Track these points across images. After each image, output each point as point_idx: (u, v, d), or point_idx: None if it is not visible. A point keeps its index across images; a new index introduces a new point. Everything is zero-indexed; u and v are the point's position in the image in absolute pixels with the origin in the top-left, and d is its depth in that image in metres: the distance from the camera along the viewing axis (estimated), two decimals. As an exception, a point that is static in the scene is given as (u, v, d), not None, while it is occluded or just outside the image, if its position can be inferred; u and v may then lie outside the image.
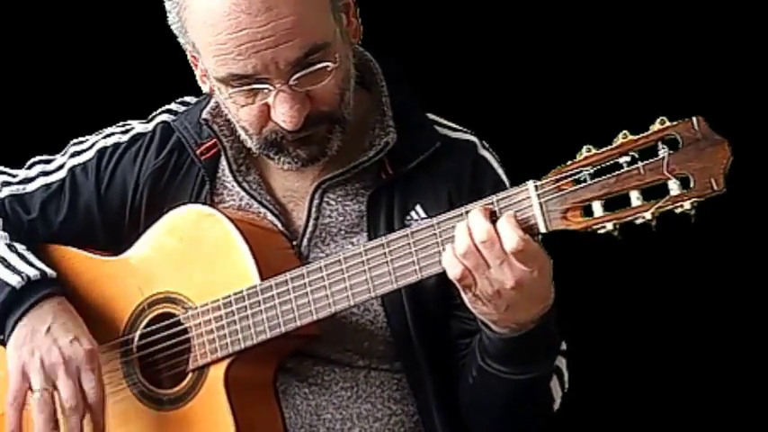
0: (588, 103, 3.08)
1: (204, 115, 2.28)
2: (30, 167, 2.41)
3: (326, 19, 2.11)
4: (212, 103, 2.28)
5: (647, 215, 1.87)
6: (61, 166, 2.37)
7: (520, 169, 2.12)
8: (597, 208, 1.91)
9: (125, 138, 2.36)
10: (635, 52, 3.13)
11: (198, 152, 2.30)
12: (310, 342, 2.19)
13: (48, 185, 2.36)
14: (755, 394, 3.20)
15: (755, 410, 3.19)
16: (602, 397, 3.17)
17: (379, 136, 2.23)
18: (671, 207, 1.86)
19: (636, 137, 1.88)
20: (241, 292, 2.15)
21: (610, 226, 1.90)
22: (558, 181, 1.93)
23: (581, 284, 2.92)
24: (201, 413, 2.18)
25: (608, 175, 1.90)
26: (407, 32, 3.14)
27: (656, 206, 1.87)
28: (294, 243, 2.24)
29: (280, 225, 2.25)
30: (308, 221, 2.24)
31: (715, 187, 1.84)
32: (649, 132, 1.88)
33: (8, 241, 2.29)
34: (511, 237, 1.92)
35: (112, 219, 2.33)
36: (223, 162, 2.29)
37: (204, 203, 2.27)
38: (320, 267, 2.10)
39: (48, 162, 2.40)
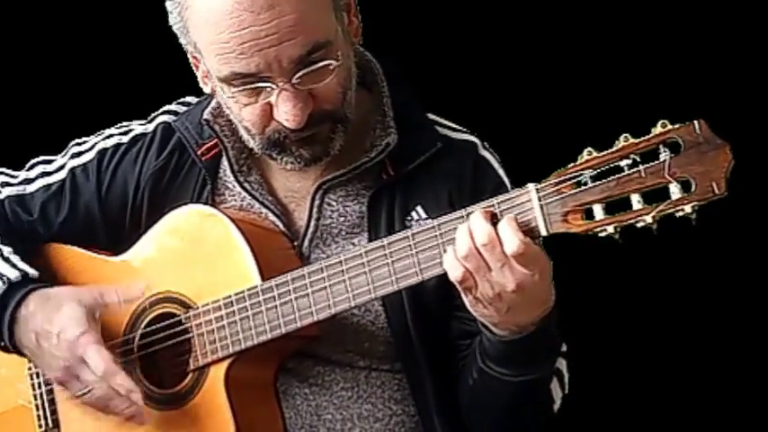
0: (590, 106, 3.08)
1: (205, 116, 2.28)
2: (30, 168, 2.41)
3: (328, 17, 2.11)
4: (213, 104, 2.28)
5: (648, 218, 1.87)
6: (62, 167, 2.37)
7: (521, 172, 2.12)
8: (598, 211, 1.91)
9: (126, 139, 2.37)
10: (637, 55, 3.13)
11: (199, 152, 2.30)
12: (311, 343, 2.19)
13: (48, 186, 2.37)
14: (756, 395, 3.20)
15: (756, 412, 3.19)
16: (603, 398, 3.18)
17: (380, 136, 2.23)
18: (672, 210, 1.86)
19: (637, 140, 1.88)
20: (242, 292, 2.15)
21: (611, 229, 1.90)
22: (558, 184, 1.93)
23: (582, 287, 2.92)
24: (202, 413, 2.18)
25: (609, 178, 1.90)
26: (409, 33, 3.14)
27: (658, 209, 1.87)
28: (295, 243, 2.24)
29: (281, 225, 2.25)
30: (309, 222, 2.24)
31: (716, 191, 1.84)
32: (651, 135, 1.88)
33: None
34: (512, 240, 1.92)
35: (113, 219, 2.33)
36: (224, 162, 2.29)
37: (205, 204, 2.27)
38: (321, 268, 2.10)
39: (48, 163, 2.40)
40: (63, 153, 2.40)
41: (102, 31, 3.29)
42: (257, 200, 2.26)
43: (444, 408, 2.22)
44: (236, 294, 2.15)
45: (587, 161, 1.92)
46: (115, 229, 2.33)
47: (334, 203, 2.25)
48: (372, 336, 2.21)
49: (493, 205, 1.97)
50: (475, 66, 3.19)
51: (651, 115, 1.89)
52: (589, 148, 1.92)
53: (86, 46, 3.29)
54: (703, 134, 1.85)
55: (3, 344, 2.24)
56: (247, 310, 2.14)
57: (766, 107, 3.04)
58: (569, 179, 1.92)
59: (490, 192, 2.18)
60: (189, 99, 2.39)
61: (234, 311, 2.15)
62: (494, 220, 1.96)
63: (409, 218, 2.22)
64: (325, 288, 2.10)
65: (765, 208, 3.08)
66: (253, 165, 2.29)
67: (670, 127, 1.87)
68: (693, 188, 1.85)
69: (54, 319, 2.17)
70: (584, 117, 3.03)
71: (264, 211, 2.26)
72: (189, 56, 2.21)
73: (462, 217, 1.99)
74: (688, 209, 1.85)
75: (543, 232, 1.94)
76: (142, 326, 2.24)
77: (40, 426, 2.33)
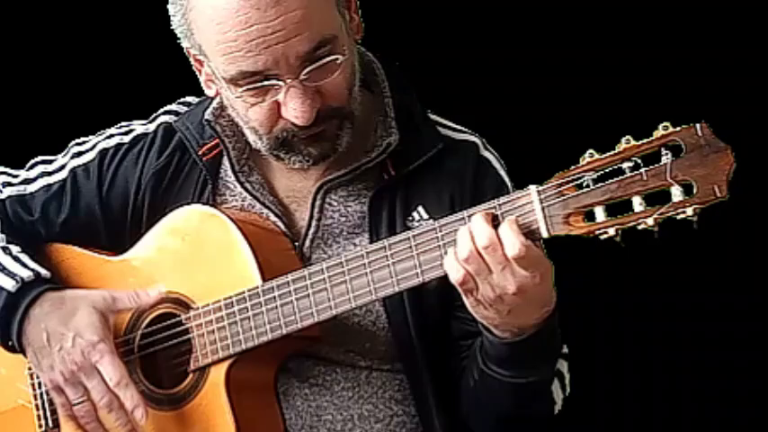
0: (591, 108, 3.07)
1: (207, 116, 2.28)
2: (31, 168, 2.41)
3: (332, 12, 2.11)
4: (215, 104, 2.28)
5: (650, 221, 1.87)
6: (62, 167, 2.37)
7: (522, 173, 2.12)
8: (599, 213, 1.91)
9: (127, 139, 2.36)
10: (639, 57, 3.12)
11: (200, 153, 2.30)
12: (312, 343, 2.19)
13: (49, 186, 2.37)
14: (756, 396, 3.20)
15: (756, 412, 3.19)
16: (603, 398, 3.18)
17: (381, 137, 2.23)
18: (673, 213, 1.86)
19: (639, 142, 1.88)
20: (243, 292, 2.15)
21: (612, 231, 1.90)
22: (560, 186, 1.93)
23: (583, 289, 2.92)
24: (202, 414, 2.18)
25: (610, 181, 1.90)
26: (410, 33, 3.13)
27: (659, 212, 1.86)
28: (296, 244, 2.24)
29: (282, 226, 2.25)
30: (310, 222, 2.24)
31: (718, 194, 1.83)
32: (652, 138, 1.87)
33: (3, 244, 2.30)
34: (513, 243, 1.92)
35: (114, 219, 2.33)
36: (225, 162, 2.29)
37: (206, 204, 2.27)
38: (322, 269, 2.10)
39: (49, 163, 2.40)
40: (64, 153, 2.40)
41: (102, 31, 3.29)
42: (258, 200, 2.26)
43: (445, 408, 2.22)
44: (237, 295, 2.15)
45: (589, 163, 1.91)
46: (116, 228, 2.33)
47: (335, 204, 2.24)
48: (373, 336, 2.21)
49: (494, 207, 1.97)
50: (477, 66, 3.18)
51: (653, 118, 1.89)
52: (591, 151, 1.92)
53: (87, 46, 3.29)
54: (705, 137, 1.85)
55: (10, 342, 2.23)
56: (248, 311, 2.14)
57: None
58: (571, 181, 1.92)
59: (491, 192, 2.19)
60: (190, 99, 2.39)
61: (234, 312, 2.15)
62: (495, 222, 1.95)
63: (410, 218, 2.22)
64: (326, 289, 2.09)
65: (766, 209, 3.08)
66: (254, 165, 2.29)
67: (672, 129, 1.86)
68: (695, 191, 1.85)
69: (69, 322, 2.18)
70: (586, 119, 3.03)
71: (265, 211, 2.26)
72: (192, 59, 2.21)
73: (463, 219, 1.99)
74: (689, 212, 1.85)
75: (544, 234, 1.94)
76: (142, 326, 2.24)
77: (40, 426, 2.33)
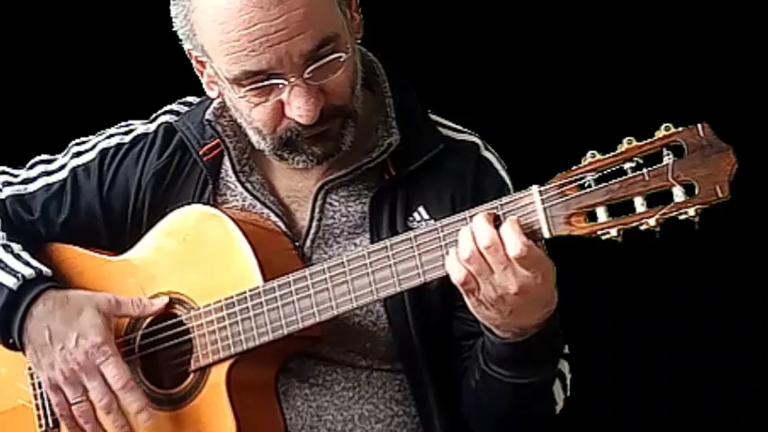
0: (593, 108, 3.08)
1: (208, 116, 2.27)
2: (31, 167, 2.41)
3: (334, 10, 2.11)
4: (216, 104, 2.28)
5: (652, 221, 1.87)
6: (63, 167, 2.37)
7: (523, 174, 2.12)
8: (601, 214, 1.91)
9: (127, 138, 2.36)
10: (641, 57, 3.13)
11: (201, 152, 2.30)
12: (313, 343, 2.19)
13: (49, 185, 2.36)
14: (756, 397, 3.20)
15: (757, 413, 3.19)
16: (604, 399, 3.18)
17: (382, 137, 2.23)
18: (675, 214, 1.86)
19: (641, 143, 1.88)
20: (243, 292, 2.14)
21: (614, 232, 1.90)
22: (562, 186, 1.93)
23: (584, 289, 2.92)
24: (203, 414, 2.18)
25: (612, 181, 1.89)
26: (410, 33, 3.13)
27: (661, 213, 1.86)
28: (297, 244, 2.24)
29: (283, 226, 2.25)
30: (311, 222, 2.24)
31: (720, 194, 1.83)
32: (654, 138, 1.87)
33: (4, 241, 2.30)
34: (514, 243, 1.92)
35: (115, 219, 2.33)
36: (226, 162, 2.29)
37: (207, 204, 2.27)
38: (323, 269, 2.10)
39: (49, 162, 2.40)
40: (64, 152, 2.40)
41: (103, 31, 3.29)
42: (259, 200, 2.26)
43: (446, 408, 2.22)
44: (238, 295, 2.15)
45: (591, 163, 1.91)
46: (116, 228, 2.33)
47: (336, 204, 2.24)
48: (374, 336, 2.21)
49: (496, 207, 1.97)
50: (478, 67, 3.19)
51: (655, 118, 1.89)
52: (592, 151, 1.92)
53: (88, 45, 3.29)
54: (707, 137, 1.85)
55: (11, 340, 2.23)
56: (249, 311, 2.14)
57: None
58: (573, 181, 1.92)
59: (492, 192, 2.19)
60: (190, 99, 2.39)
61: (235, 312, 2.15)
62: (497, 222, 1.95)
63: (411, 218, 2.22)
64: (327, 289, 2.09)
65: (766, 210, 3.08)
66: (255, 165, 2.29)
67: (674, 130, 1.86)
68: (697, 192, 1.85)
69: (73, 322, 2.18)
70: (588, 119, 3.03)
71: (266, 211, 2.26)
72: (193, 61, 2.21)
73: (465, 219, 1.99)
74: (691, 212, 1.85)
75: (546, 234, 1.94)
76: (143, 326, 2.24)
77: (41, 425, 2.33)
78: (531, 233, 1.94)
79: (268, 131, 2.15)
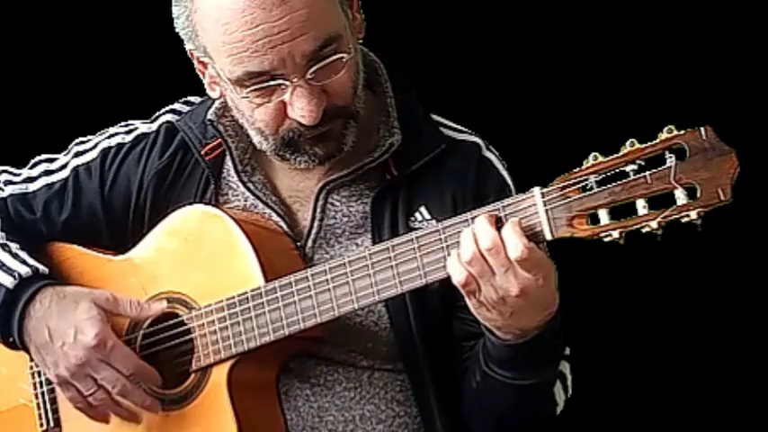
0: (596, 110, 3.07)
1: (209, 115, 2.27)
2: (33, 167, 2.41)
3: (336, 11, 2.12)
4: (218, 104, 2.28)
5: (654, 224, 1.87)
6: (64, 166, 2.37)
7: (525, 175, 2.12)
8: (603, 216, 1.91)
9: (129, 138, 2.36)
10: (643, 59, 3.12)
11: (202, 152, 2.30)
12: (314, 343, 2.19)
13: (50, 185, 2.36)
14: (756, 397, 3.20)
15: (757, 414, 3.19)
16: (605, 399, 3.18)
17: (384, 137, 2.23)
18: (677, 216, 1.86)
19: (643, 145, 1.88)
20: (245, 293, 2.14)
21: (615, 234, 1.90)
22: (564, 188, 1.92)
23: (586, 291, 2.92)
24: (204, 414, 2.18)
25: (614, 183, 1.89)
26: (411, 33, 3.13)
27: (663, 215, 1.86)
28: (298, 244, 2.24)
29: (285, 226, 2.25)
30: (312, 222, 2.24)
31: (722, 197, 1.83)
32: (657, 141, 1.87)
33: (3, 241, 2.30)
34: (516, 245, 1.92)
35: (116, 218, 2.33)
36: (228, 162, 2.29)
37: (209, 204, 2.27)
38: (325, 270, 2.10)
39: (51, 161, 2.40)
40: (66, 152, 2.40)
41: (104, 31, 3.28)
42: (261, 200, 2.26)
43: (447, 409, 2.22)
44: (240, 295, 2.15)
45: (593, 166, 1.91)
46: (118, 228, 2.33)
47: (337, 204, 2.24)
48: (375, 336, 2.21)
49: (498, 209, 1.97)
50: (480, 67, 3.18)
51: (657, 120, 1.89)
52: (595, 153, 1.92)
53: (88, 45, 3.29)
54: (709, 140, 1.85)
55: (11, 339, 2.23)
56: (250, 311, 2.14)
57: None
58: (575, 183, 1.92)
59: (494, 193, 2.19)
60: (192, 98, 2.39)
61: (237, 312, 2.15)
62: (498, 224, 1.95)
63: (413, 218, 2.22)
64: (329, 290, 2.09)
65: (766, 210, 3.08)
66: (256, 165, 2.29)
67: (676, 132, 1.86)
68: (699, 194, 1.84)
69: (70, 317, 2.18)
70: (590, 121, 3.03)
71: (268, 211, 2.25)
72: (195, 61, 2.20)
73: (467, 220, 1.99)
74: (693, 215, 1.85)
75: (548, 236, 1.94)
76: (144, 326, 2.24)
77: (42, 425, 2.33)
78: (532, 235, 1.94)
79: (270, 132, 2.15)
